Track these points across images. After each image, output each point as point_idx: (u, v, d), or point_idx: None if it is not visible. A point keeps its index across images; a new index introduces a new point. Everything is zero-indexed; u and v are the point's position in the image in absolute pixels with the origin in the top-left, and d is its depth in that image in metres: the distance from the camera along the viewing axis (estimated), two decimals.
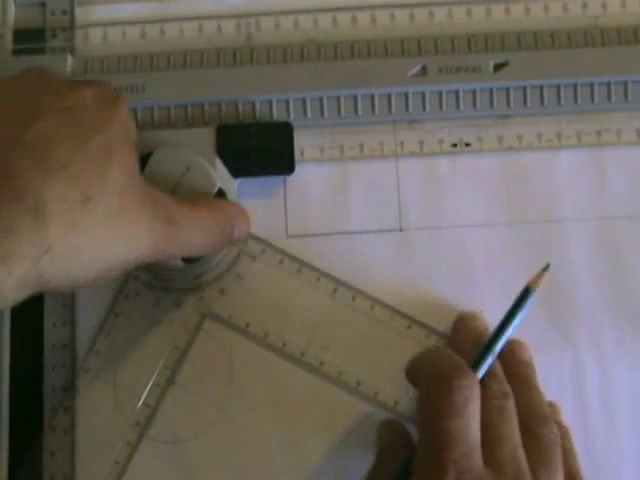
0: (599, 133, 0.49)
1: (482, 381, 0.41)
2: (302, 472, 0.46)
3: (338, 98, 0.49)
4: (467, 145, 0.49)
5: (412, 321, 0.47)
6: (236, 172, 0.47)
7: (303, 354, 0.47)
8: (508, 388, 0.42)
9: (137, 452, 0.46)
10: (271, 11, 0.51)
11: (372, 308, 0.47)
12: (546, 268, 0.43)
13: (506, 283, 0.47)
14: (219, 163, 0.47)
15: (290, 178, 0.49)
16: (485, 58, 0.49)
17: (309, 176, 0.49)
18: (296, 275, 0.48)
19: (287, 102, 0.49)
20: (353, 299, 0.47)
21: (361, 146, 0.49)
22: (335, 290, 0.47)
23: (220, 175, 0.46)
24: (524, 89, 0.49)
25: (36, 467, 0.46)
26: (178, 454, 0.46)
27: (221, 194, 0.45)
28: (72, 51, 0.50)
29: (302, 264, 0.48)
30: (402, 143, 0.49)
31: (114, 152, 0.37)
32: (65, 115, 0.37)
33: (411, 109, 0.49)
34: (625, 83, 0.49)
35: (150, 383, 0.47)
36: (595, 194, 0.49)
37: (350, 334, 0.47)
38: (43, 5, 0.51)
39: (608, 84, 0.49)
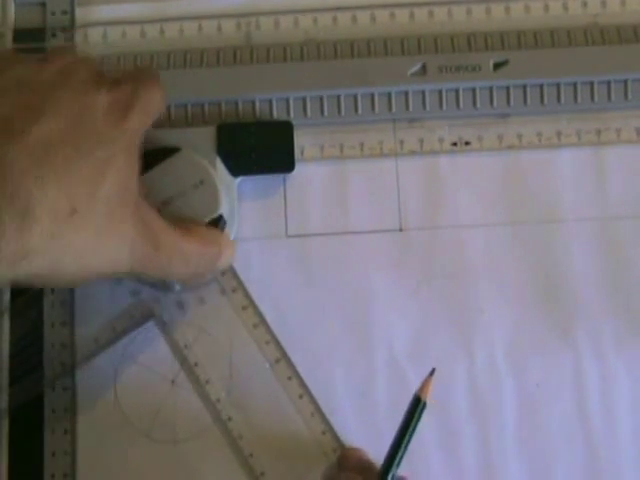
0: (599, 132, 0.49)
1: None
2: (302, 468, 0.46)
3: (338, 97, 0.49)
4: (467, 144, 0.49)
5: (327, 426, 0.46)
6: (236, 171, 0.47)
7: (218, 400, 0.47)
8: None
9: (137, 452, 0.46)
10: (271, 10, 0.51)
11: (300, 397, 0.47)
12: (432, 373, 0.41)
13: (506, 283, 0.47)
14: (219, 162, 0.47)
15: (290, 177, 0.49)
16: (485, 57, 0.49)
17: (309, 175, 0.49)
18: (250, 329, 0.47)
19: (287, 101, 0.49)
20: (289, 379, 0.47)
21: (361, 145, 0.49)
22: (278, 360, 0.47)
23: (220, 175, 0.46)
24: (524, 88, 0.49)
25: (36, 467, 0.46)
26: (178, 454, 0.46)
27: (220, 219, 0.45)
28: (72, 50, 0.50)
29: (261, 321, 0.47)
30: (402, 142, 0.49)
31: (112, 166, 0.37)
32: (73, 120, 0.37)
33: (411, 108, 0.49)
34: (625, 82, 0.49)
35: (150, 383, 0.47)
36: (595, 193, 0.49)
37: (262, 408, 0.47)
38: (43, 5, 0.51)
39: (608, 83, 0.49)
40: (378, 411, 0.46)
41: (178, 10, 0.51)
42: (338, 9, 0.51)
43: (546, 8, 0.50)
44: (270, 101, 0.49)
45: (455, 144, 0.49)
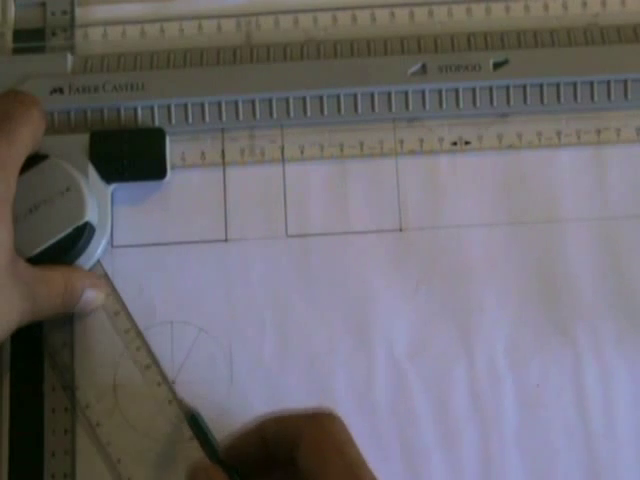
0: (599, 131, 0.49)
1: None
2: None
3: (338, 96, 0.49)
4: (467, 143, 0.49)
5: None
6: (108, 178, 0.47)
7: (87, 406, 0.46)
8: None
9: (137, 452, 0.46)
10: (271, 10, 0.51)
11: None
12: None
13: (506, 283, 0.47)
14: (91, 169, 0.47)
15: (290, 176, 0.49)
16: (485, 56, 0.49)
17: (309, 174, 0.49)
18: (122, 335, 0.47)
19: (287, 100, 0.49)
20: (158, 385, 0.47)
21: (361, 144, 0.49)
22: (159, 384, 0.47)
23: (92, 182, 0.47)
24: (524, 87, 0.49)
25: (36, 467, 0.46)
26: (179, 454, 0.46)
27: (86, 226, 0.45)
28: (72, 50, 0.50)
29: (142, 343, 0.47)
30: (402, 141, 0.49)
31: None
32: None
33: (411, 107, 0.49)
34: (625, 81, 0.48)
35: (150, 383, 0.47)
36: (595, 193, 0.49)
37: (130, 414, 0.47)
38: (43, 5, 0.51)
39: (608, 82, 0.48)
40: (378, 411, 0.46)
41: (178, 10, 0.51)
42: (338, 9, 0.51)
43: (546, 7, 0.50)
44: (270, 100, 0.49)
45: (455, 144, 0.49)
